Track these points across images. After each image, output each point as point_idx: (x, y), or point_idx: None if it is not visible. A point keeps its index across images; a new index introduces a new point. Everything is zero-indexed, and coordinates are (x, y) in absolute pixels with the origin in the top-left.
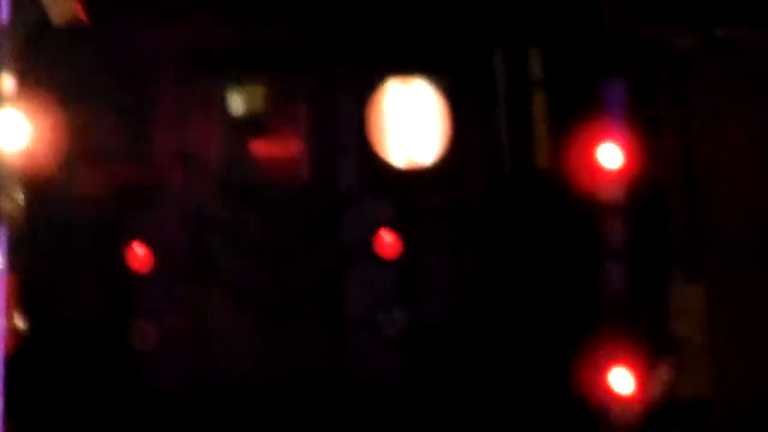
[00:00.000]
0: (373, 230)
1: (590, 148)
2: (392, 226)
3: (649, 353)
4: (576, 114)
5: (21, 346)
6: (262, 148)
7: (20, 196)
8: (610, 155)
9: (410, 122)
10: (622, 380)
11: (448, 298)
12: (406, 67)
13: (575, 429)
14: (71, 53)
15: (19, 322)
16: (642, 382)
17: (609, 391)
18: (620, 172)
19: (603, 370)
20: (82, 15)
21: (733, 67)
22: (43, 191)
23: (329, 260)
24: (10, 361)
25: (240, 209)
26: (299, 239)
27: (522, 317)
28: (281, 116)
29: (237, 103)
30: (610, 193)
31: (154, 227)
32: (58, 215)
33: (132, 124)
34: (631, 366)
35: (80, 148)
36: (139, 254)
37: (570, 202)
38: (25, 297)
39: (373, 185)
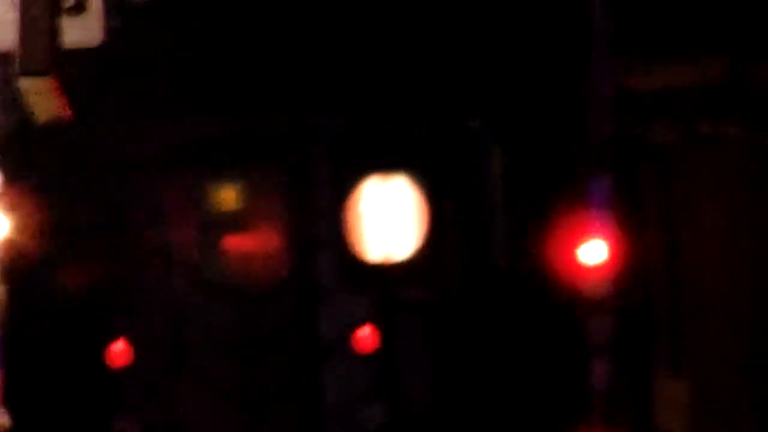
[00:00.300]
0: (350, 325)
1: (574, 244)
2: (370, 321)
3: None
4: (560, 210)
5: None
6: (239, 243)
7: (1, 290)
8: (595, 251)
9: (388, 218)
10: None
11: (427, 392)
12: (385, 164)
13: None
14: (51, 149)
15: (3, 418)
16: None
17: None
18: (605, 267)
19: None
20: (66, 112)
21: (714, 160)
22: (24, 286)
23: (306, 355)
24: None
25: (217, 305)
26: (276, 334)
27: (506, 413)
28: (259, 211)
29: (214, 199)
30: (595, 289)
31: (133, 323)
32: (40, 309)
33: (111, 220)
34: None
35: (60, 243)
36: (119, 350)
37: (554, 298)
38: (7, 392)
39: (351, 280)
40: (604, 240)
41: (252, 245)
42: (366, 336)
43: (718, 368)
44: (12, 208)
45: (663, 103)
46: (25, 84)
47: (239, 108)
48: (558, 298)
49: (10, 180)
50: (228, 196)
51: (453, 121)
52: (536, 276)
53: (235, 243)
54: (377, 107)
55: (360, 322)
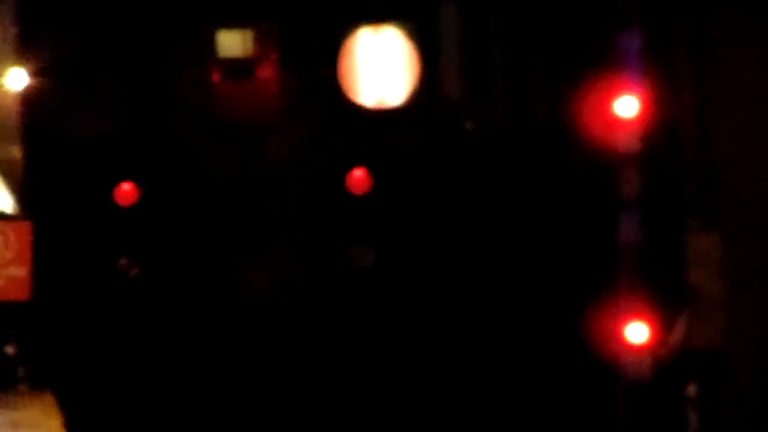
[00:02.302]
0: (344, 167)
1: (606, 99)
2: (363, 163)
3: (665, 305)
4: (591, 64)
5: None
6: (241, 88)
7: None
8: (626, 106)
9: (380, 66)
10: (638, 332)
11: (420, 237)
12: (376, 15)
13: (592, 381)
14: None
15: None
16: (657, 334)
17: (625, 343)
18: (635, 122)
19: (619, 322)
20: None
21: (750, 16)
22: (40, 130)
23: (303, 195)
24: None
25: (219, 145)
26: (274, 173)
27: (535, 268)
28: (260, 60)
29: (218, 45)
30: (625, 143)
31: (141, 165)
32: (55, 149)
33: (121, 64)
34: (647, 318)
35: (73, 86)
36: (126, 190)
37: (585, 152)
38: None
39: (345, 124)
40: (635, 94)
41: (252, 91)
42: (359, 178)
43: (750, 223)
44: (30, 54)
45: None
46: None
47: None
48: (589, 151)
49: (28, 27)
50: (232, 44)
51: None
52: (567, 129)
53: (237, 88)
54: None
55: (353, 165)
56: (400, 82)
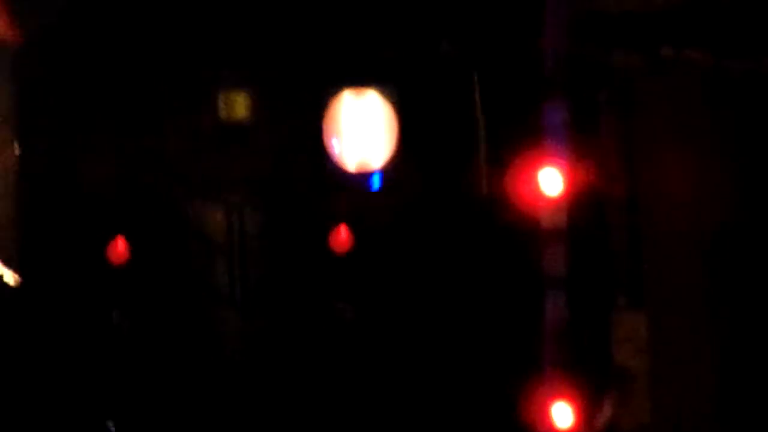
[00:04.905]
0: (328, 227)
1: (530, 173)
2: (346, 223)
3: (591, 385)
4: (515, 138)
5: None
6: (234, 149)
7: None
8: (551, 180)
9: (363, 129)
10: (563, 414)
11: (396, 295)
12: (359, 81)
13: None
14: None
15: None
16: (584, 415)
17: (550, 426)
18: (561, 197)
19: (544, 403)
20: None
21: (677, 87)
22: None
23: (288, 254)
24: None
25: (209, 211)
26: (262, 234)
27: (458, 346)
28: (251, 123)
29: (211, 108)
30: (551, 219)
31: (133, 223)
32: (51, 203)
33: (119, 120)
34: (573, 399)
35: (71, 141)
36: (119, 248)
37: (509, 228)
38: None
39: (329, 185)
40: (559, 168)
41: (244, 152)
42: (343, 237)
43: (678, 301)
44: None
45: (624, 27)
46: None
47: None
48: (514, 228)
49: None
50: (227, 105)
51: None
52: (499, 205)
53: (229, 149)
54: (349, 31)
55: (336, 224)
56: (381, 145)
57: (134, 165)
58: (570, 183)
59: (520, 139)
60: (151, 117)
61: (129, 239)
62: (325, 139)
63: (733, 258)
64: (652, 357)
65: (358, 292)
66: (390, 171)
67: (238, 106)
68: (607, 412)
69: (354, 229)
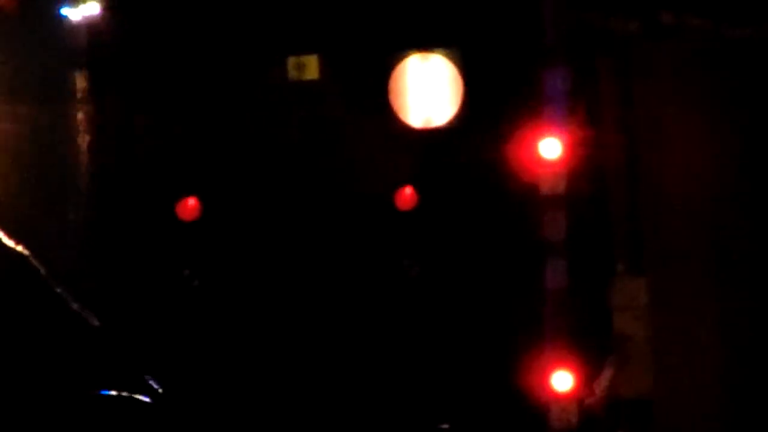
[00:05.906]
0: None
1: (531, 140)
2: (411, 181)
3: (591, 352)
4: (516, 104)
5: None
6: (303, 111)
7: None
8: (551, 147)
9: (428, 90)
10: (563, 381)
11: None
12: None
13: (517, 429)
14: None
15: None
16: (583, 382)
17: (550, 391)
18: (560, 163)
19: (544, 370)
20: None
21: (677, 54)
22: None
23: (355, 213)
24: None
25: (278, 160)
26: (328, 192)
27: (459, 313)
28: (320, 84)
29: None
30: (551, 185)
31: (204, 182)
32: (123, 165)
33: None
34: (573, 366)
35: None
36: (190, 205)
37: (510, 194)
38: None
39: (396, 144)
40: (560, 135)
41: (313, 113)
42: (407, 195)
43: (677, 268)
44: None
45: None
46: None
47: None
48: (515, 194)
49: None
50: (297, 68)
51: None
52: (495, 171)
53: (299, 110)
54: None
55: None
56: (446, 104)
57: (207, 127)
58: (569, 149)
59: (520, 105)
60: (224, 80)
61: (201, 198)
62: (392, 100)
63: (733, 223)
64: (652, 323)
65: (423, 249)
66: (453, 130)
67: (308, 69)
68: (606, 378)
69: (419, 187)
